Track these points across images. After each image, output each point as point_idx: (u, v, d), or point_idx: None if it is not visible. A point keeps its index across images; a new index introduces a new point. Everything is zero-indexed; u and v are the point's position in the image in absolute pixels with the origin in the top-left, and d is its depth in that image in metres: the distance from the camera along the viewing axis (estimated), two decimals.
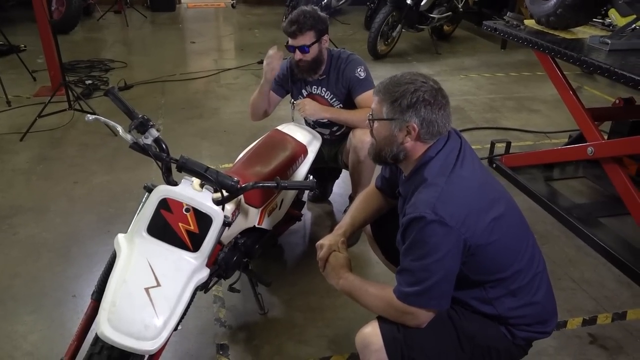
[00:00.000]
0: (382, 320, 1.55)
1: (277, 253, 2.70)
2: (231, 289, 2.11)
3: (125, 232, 1.62)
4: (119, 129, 1.58)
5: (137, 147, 1.59)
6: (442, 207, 1.39)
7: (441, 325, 1.52)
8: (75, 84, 4.81)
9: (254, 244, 2.12)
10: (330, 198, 3.17)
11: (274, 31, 7.39)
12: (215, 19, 8.50)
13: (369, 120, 1.56)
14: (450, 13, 6.32)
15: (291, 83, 2.69)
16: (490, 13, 7.46)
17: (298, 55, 2.48)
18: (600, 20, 3.32)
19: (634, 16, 3.09)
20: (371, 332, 1.53)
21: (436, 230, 1.38)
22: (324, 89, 2.63)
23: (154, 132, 1.58)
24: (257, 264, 2.54)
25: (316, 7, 2.52)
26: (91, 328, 1.68)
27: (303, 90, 2.67)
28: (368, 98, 2.51)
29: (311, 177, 2.72)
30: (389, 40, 6.04)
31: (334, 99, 2.63)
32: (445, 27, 6.91)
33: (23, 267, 2.54)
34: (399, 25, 5.95)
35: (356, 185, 2.67)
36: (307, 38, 2.42)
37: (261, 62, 5.78)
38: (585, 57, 2.63)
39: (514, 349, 1.60)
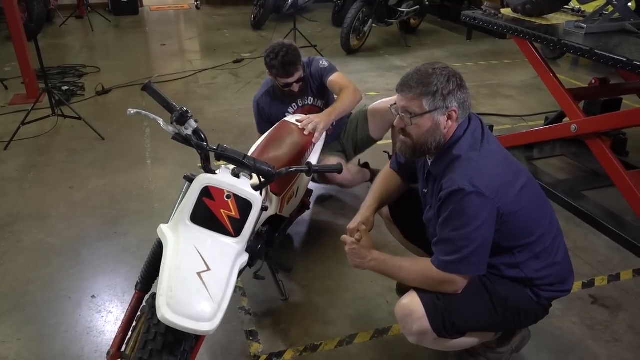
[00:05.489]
0: (419, 290, 1.65)
1: (286, 241, 2.76)
2: (256, 276, 2.17)
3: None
4: (160, 121, 1.62)
5: (179, 137, 1.63)
6: (478, 179, 1.51)
7: (477, 291, 1.64)
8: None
9: (274, 232, 2.20)
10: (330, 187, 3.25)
11: (242, 31, 7.41)
12: (182, 20, 8.43)
13: (410, 118, 1.59)
14: (417, 7, 6.50)
15: (273, 109, 2.77)
16: (452, 6, 7.73)
17: (296, 87, 2.65)
18: (570, 8, 3.54)
19: (598, 2, 3.32)
20: (412, 302, 1.63)
21: (474, 200, 1.49)
22: (305, 96, 2.78)
23: (193, 123, 1.64)
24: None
25: (289, 41, 2.61)
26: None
27: (290, 108, 2.77)
28: (336, 77, 2.71)
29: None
30: (360, 35, 6.17)
31: (313, 98, 2.79)
32: (412, 21, 7.10)
33: (34, 272, 2.51)
34: (370, 20, 6.09)
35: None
36: (299, 69, 2.61)
37: (237, 62, 5.89)
38: (566, 41, 2.82)
39: (539, 308, 1.74)
